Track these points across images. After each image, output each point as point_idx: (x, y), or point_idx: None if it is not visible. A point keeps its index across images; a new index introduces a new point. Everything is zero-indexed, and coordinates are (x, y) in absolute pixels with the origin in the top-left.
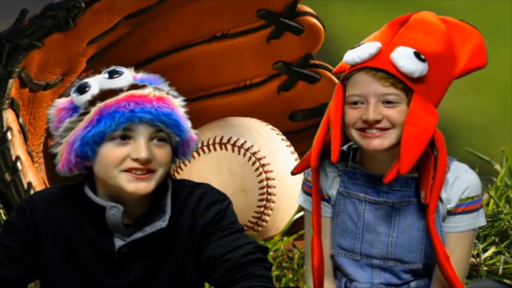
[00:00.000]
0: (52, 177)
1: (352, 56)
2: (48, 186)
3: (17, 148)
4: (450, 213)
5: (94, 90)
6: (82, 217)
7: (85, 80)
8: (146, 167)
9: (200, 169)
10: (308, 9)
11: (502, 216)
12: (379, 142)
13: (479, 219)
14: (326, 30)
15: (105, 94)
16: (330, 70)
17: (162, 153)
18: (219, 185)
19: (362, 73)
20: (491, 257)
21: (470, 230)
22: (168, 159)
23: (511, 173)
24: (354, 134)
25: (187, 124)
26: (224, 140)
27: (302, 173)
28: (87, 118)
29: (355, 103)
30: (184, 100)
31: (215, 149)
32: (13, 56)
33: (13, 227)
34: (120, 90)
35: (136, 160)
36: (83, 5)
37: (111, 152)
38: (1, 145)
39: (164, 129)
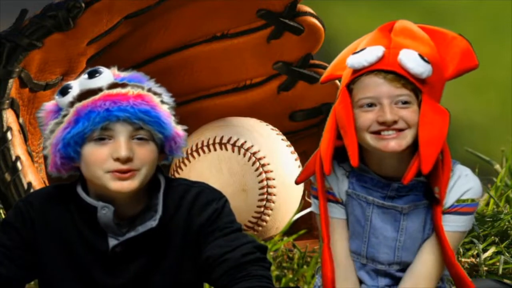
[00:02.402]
0: (52, 177)
1: (359, 60)
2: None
3: (17, 148)
4: (443, 213)
5: (74, 91)
6: (76, 216)
7: (68, 82)
8: (128, 167)
9: (200, 169)
10: (308, 9)
11: (502, 216)
12: (397, 143)
13: (468, 223)
14: (326, 30)
15: (84, 94)
16: None
17: (144, 151)
18: (219, 185)
19: (371, 76)
20: (491, 257)
21: (457, 232)
22: (151, 157)
23: (511, 173)
24: (368, 137)
25: (169, 120)
26: (224, 140)
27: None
28: (66, 119)
29: (368, 106)
30: (185, 101)
31: (215, 149)
32: (13, 56)
33: (10, 226)
34: (99, 90)
35: (117, 159)
36: (83, 5)
37: (93, 153)
38: (1, 145)
39: (145, 127)
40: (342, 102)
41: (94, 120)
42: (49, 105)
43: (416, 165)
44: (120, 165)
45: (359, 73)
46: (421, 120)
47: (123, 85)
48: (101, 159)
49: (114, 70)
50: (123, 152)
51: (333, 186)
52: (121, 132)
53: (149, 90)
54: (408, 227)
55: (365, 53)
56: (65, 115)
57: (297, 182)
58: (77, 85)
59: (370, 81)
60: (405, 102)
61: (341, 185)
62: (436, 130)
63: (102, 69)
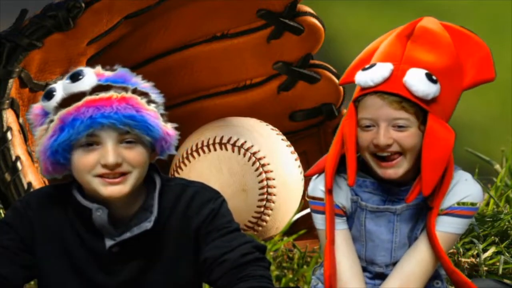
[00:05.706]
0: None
1: (366, 79)
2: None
3: (17, 148)
4: (440, 214)
5: (58, 95)
6: (73, 217)
7: (52, 85)
8: (117, 172)
9: (200, 169)
10: (308, 9)
11: (502, 216)
12: (394, 171)
13: (464, 227)
14: (326, 30)
15: (67, 100)
16: (330, 70)
17: (133, 154)
18: (219, 185)
19: (374, 96)
20: (491, 257)
21: (451, 234)
22: (141, 159)
23: (511, 173)
24: (369, 158)
25: (157, 122)
26: (224, 140)
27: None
28: (51, 126)
29: (367, 126)
30: (185, 101)
31: (215, 149)
32: (13, 56)
33: (9, 226)
34: (83, 94)
35: (105, 166)
36: (83, 5)
37: (81, 160)
38: (1, 145)
39: (131, 131)
40: (348, 118)
41: (78, 128)
42: (36, 107)
43: (418, 187)
44: (108, 170)
45: (364, 92)
46: (425, 142)
47: (107, 87)
48: (89, 166)
49: (98, 69)
50: (110, 159)
51: (337, 198)
52: (108, 138)
53: (135, 90)
54: (402, 227)
55: (373, 72)
56: (51, 121)
57: (306, 175)
58: (60, 89)
59: (372, 102)
60: (401, 126)
61: (345, 195)
62: (439, 151)
63: (85, 70)
